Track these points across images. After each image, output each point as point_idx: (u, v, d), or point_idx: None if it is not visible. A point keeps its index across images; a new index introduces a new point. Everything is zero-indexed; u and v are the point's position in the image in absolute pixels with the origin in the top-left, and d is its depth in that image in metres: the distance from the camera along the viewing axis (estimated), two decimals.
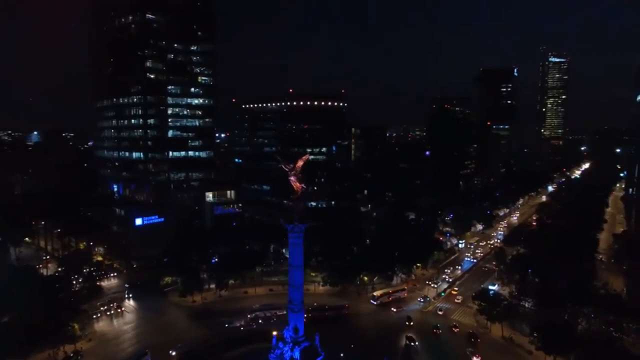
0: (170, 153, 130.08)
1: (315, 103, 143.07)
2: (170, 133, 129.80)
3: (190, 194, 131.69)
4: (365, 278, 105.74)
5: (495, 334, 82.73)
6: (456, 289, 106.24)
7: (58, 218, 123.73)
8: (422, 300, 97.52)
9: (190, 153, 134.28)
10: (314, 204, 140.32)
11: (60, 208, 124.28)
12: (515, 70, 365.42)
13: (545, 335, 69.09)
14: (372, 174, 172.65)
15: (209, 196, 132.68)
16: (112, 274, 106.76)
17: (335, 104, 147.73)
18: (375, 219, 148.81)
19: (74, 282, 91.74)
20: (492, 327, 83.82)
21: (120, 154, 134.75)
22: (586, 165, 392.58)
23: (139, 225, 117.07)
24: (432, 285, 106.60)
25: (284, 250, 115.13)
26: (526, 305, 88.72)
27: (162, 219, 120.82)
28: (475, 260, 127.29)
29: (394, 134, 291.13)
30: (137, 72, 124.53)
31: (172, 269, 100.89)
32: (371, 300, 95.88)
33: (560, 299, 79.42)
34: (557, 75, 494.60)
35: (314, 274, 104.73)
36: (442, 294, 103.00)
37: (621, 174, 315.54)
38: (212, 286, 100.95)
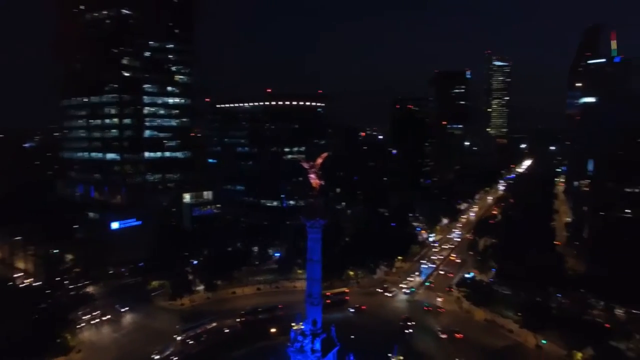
0: (147, 154, 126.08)
1: (294, 103, 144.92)
2: (146, 133, 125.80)
3: (168, 196, 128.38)
4: (351, 272, 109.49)
5: (478, 317, 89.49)
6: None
7: (18, 224, 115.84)
8: (352, 310, 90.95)
9: (167, 154, 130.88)
10: (292, 202, 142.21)
11: (19, 213, 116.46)
12: (468, 73, 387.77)
13: (528, 315, 76.49)
14: (344, 172, 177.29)
15: (186, 197, 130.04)
16: (88, 282, 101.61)
17: (313, 104, 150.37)
18: (351, 216, 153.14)
19: (54, 291, 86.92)
20: (475, 312, 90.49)
21: (92, 155, 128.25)
22: (528, 162, 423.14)
23: (115, 229, 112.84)
24: (387, 293, 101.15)
25: (269, 250, 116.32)
26: (504, 290, 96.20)
27: (140, 222, 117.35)
28: (434, 266, 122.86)
29: (362, 134, 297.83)
30: (111, 70, 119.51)
31: (159, 273, 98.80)
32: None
33: (535, 282, 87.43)
34: (501, 78, 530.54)
35: (300, 272, 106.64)
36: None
37: (558, 169, 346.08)
38: (199, 288, 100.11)
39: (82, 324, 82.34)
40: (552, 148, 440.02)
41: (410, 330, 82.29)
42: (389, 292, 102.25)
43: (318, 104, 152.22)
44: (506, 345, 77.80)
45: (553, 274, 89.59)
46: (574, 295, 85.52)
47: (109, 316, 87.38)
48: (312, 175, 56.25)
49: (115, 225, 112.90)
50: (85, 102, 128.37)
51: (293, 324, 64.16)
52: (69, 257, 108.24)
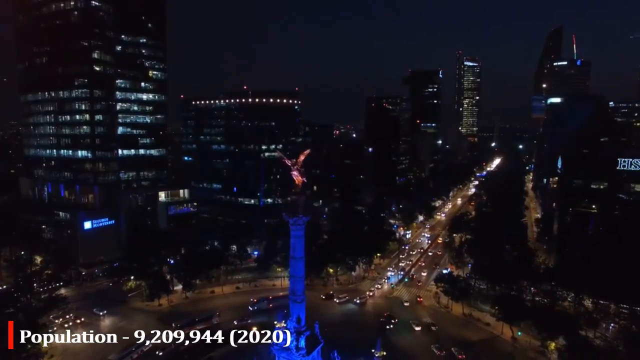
0: (120, 151, 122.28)
1: (271, 100, 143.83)
2: (120, 130, 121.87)
3: (143, 194, 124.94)
4: (330, 270, 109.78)
5: (456, 311, 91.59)
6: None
7: None
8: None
9: (142, 151, 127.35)
10: (270, 200, 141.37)
11: None
12: (441, 72, 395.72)
13: (503, 308, 78.93)
14: (320, 170, 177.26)
15: (162, 196, 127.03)
16: (59, 284, 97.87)
17: (289, 101, 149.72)
18: (329, 214, 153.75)
19: (23, 295, 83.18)
20: (453, 306, 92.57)
21: (61, 152, 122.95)
22: (498, 160, 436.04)
23: (87, 230, 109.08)
24: (336, 300, 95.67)
25: (248, 249, 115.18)
26: (480, 284, 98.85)
27: (113, 222, 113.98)
28: (402, 273, 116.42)
29: (336, 132, 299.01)
30: (81, 64, 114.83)
31: (134, 273, 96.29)
32: (249, 306, 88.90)
33: (509, 276, 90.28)
34: (471, 78, 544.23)
35: (280, 270, 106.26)
36: None
37: (527, 167, 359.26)
38: (177, 288, 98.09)
39: (54, 328, 79.07)
40: (520, 147, 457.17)
41: (391, 326, 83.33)
42: (338, 298, 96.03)
43: (294, 102, 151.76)
44: (484, 338, 79.90)
45: (526, 268, 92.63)
46: (545, 288, 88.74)
47: (82, 319, 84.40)
48: (295, 173, 56.03)
49: (87, 225, 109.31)
50: (53, 97, 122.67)
51: (276, 322, 63.67)
52: (39, 259, 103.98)
